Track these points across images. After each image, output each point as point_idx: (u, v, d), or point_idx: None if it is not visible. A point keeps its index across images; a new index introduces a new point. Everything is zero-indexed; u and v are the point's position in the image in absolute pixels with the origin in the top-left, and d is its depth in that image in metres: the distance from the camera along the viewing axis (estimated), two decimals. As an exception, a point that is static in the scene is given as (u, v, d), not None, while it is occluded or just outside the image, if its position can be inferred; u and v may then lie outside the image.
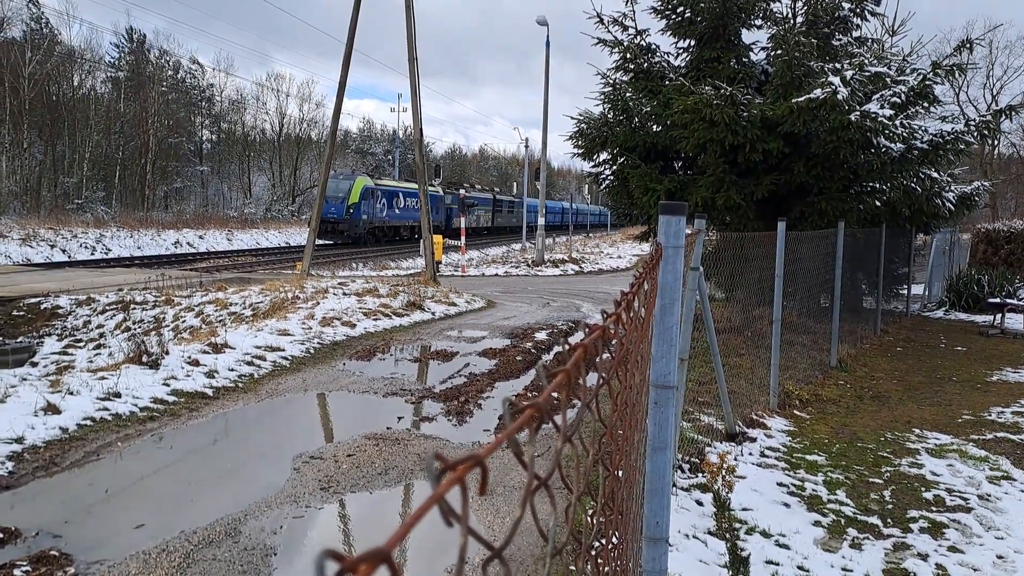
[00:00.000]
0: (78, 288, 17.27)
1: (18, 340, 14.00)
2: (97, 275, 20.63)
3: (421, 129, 19.35)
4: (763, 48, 14.63)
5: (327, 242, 40.00)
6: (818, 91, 11.67)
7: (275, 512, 5.28)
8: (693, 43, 14.61)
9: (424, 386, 9.19)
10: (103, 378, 8.23)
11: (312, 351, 10.85)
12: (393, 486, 5.92)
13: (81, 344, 14.02)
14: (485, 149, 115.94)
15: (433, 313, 15.13)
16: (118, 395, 7.67)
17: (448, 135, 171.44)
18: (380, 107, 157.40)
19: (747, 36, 14.91)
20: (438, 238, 24.97)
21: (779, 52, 12.97)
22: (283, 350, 10.48)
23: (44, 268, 22.27)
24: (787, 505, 5.86)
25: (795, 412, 8.80)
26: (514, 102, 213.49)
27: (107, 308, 15.37)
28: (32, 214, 39.85)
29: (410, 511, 5.60)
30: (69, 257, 31.24)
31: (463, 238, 30.55)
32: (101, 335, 14.29)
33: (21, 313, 15.18)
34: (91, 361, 12.38)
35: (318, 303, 14.05)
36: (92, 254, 32.74)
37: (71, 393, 7.56)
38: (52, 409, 7.00)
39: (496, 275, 28.01)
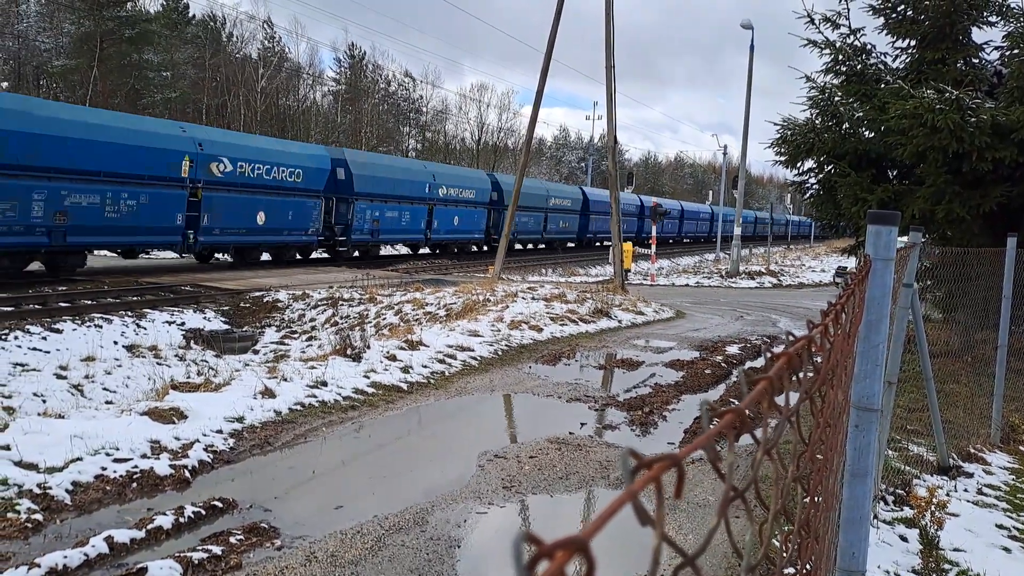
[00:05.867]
0: (295, 284, 18.86)
1: (243, 329, 15.51)
2: (311, 273, 22.41)
3: (615, 136, 19.35)
4: (996, 48, 13.33)
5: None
6: (1063, 93, 10.44)
7: (460, 506, 5.46)
8: (914, 43, 13.56)
9: (608, 394, 9.16)
10: (312, 367, 8.91)
11: (500, 353, 11.13)
12: (573, 492, 5.93)
13: (296, 335, 15.28)
14: (681, 156, 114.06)
15: (620, 321, 15.05)
16: (324, 384, 8.27)
17: (635, 141, 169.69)
18: (569, 114, 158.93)
19: (978, 35, 13.61)
20: (628, 246, 24.81)
21: (1016, 52, 11.73)
22: (473, 350, 10.84)
23: (268, 265, 24.47)
24: (1007, 550, 5.26)
25: (1021, 448, 7.89)
26: (704, 105, 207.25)
27: (319, 303, 16.65)
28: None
29: (589, 517, 5.59)
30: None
31: (654, 247, 30.17)
32: (313, 328, 15.50)
33: (247, 305, 16.79)
34: (303, 351, 13.46)
35: (507, 306, 14.41)
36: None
37: (285, 379, 8.24)
38: (268, 393, 7.67)
39: (687, 285, 27.40)
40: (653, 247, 30.14)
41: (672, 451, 0.44)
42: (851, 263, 24.84)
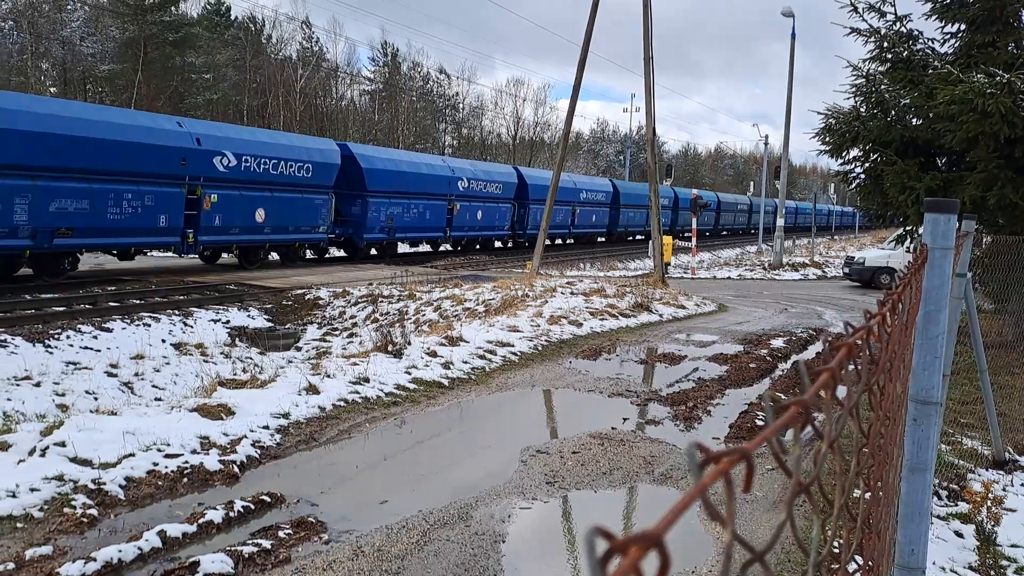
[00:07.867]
0: (336, 282, 19.05)
1: (286, 327, 15.71)
2: (351, 271, 22.61)
3: (654, 129, 19.17)
4: (1050, 29, 12.90)
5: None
6: (1121, 73, 10.06)
7: (504, 501, 5.46)
8: (963, 27, 13.20)
9: (650, 388, 9.08)
10: (355, 364, 8.98)
11: (540, 348, 11.11)
12: (617, 487, 5.89)
13: (337, 332, 15.43)
14: (721, 147, 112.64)
15: (661, 315, 14.92)
16: (367, 380, 8.34)
17: (672, 132, 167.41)
18: (606, 107, 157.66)
19: (1028, 16, 13.17)
20: (668, 239, 24.56)
21: (1070, 32, 11.33)
22: (512, 346, 10.84)
23: (310, 264, 24.71)
24: (1069, 548, 5.09)
25: (1081, 443, 7.64)
26: (740, 95, 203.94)
27: (359, 300, 16.80)
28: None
29: (634, 513, 5.55)
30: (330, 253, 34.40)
31: (694, 239, 29.86)
32: (354, 324, 15.64)
33: (289, 303, 17.01)
34: (344, 348, 13.58)
35: (546, 301, 14.37)
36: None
37: (328, 376, 8.33)
38: (312, 389, 7.75)
39: (728, 278, 27.08)
40: (694, 240, 29.81)
41: (741, 445, 0.41)
42: (859, 253, 24.30)
